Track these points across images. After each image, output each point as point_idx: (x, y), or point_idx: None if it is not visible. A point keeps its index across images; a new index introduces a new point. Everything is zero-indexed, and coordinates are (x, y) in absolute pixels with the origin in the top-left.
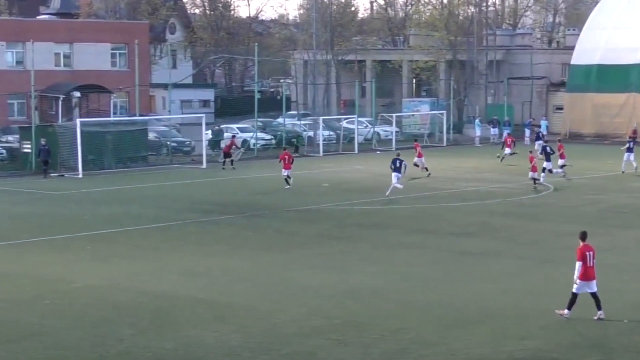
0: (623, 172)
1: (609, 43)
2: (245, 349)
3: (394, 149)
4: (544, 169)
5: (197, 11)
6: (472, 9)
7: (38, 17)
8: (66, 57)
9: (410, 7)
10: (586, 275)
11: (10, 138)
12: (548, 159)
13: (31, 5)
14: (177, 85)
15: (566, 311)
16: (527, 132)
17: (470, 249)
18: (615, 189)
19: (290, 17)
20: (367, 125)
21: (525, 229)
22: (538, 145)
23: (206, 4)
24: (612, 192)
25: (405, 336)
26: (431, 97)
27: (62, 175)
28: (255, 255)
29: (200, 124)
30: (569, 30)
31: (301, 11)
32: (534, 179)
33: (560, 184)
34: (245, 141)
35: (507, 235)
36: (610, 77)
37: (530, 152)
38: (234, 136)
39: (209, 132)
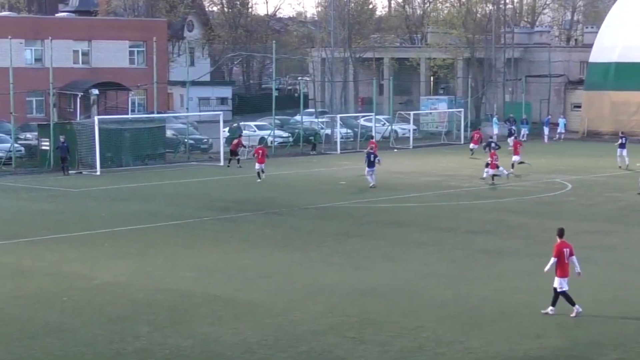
0: (620, 167)
1: (628, 41)
2: (262, 347)
3: (411, 147)
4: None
5: (215, 9)
6: (490, 6)
7: (57, 15)
8: (84, 54)
9: (428, 4)
10: (563, 272)
11: (28, 135)
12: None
13: (50, 3)
14: (194, 83)
15: (575, 308)
16: (546, 130)
17: (487, 247)
18: (634, 187)
19: (308, 15)
20: (384, 123)
21: (543, 227)
22: (510, 140)
23: (224, 1)
24: (630, 191)
25: (422, 334)
26: (449, 95)
27: (80, 173)
28: (273, 252)
29: (218, 122)
30: (587, 27)
31: (319, 9)
32: (493, 175)
33: (578, 182)
34: (262, 139)
35: (524, 234)
36: (629, 75)
37: (493, 149)
38: (240, 135)
39: (226, 129)
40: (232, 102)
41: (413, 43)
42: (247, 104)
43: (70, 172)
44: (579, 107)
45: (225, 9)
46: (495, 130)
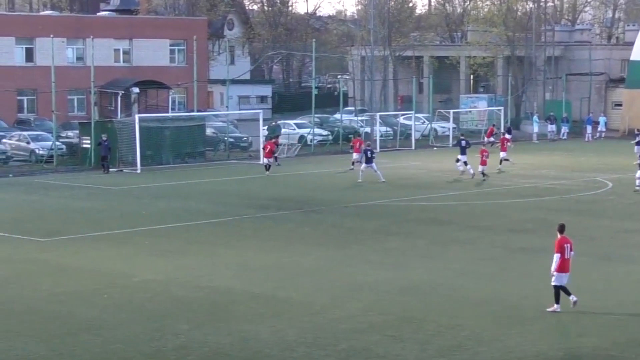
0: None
1: None
2: (301, 344)
3: (450, 146)
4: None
5: (255, 7)
6: (530, 4)
7: (98, 14)
8: (125, 53)
9: (468, 2)
10: (563, 267)
11: (70, 133)
12: (463, 153)
13: (91, 2)
14: (234, 81)
15: (556, 306)
16: (589, 128)
17: (527, 245)
18: None
19: (348, 13)
20: (424, 122)
21: (583, 225)
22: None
23: (264, 0)
24: None
25: (461, 332)
26: (489, 93)
27: (121, 171)
28: (312, 250)
29: (258, 120)
30: (628, 25)
31: (359, 7)
32: (483, 173)
33: (618, 181)
34: (302, 137)
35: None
36: None
37: (483, 145)
38: (277, 136)
39: (265, 128)
40: (271, 101)
41: (453, 41)
42: (287, 102)
43: (111, 170)
44: (620, 105)
45: (266, 8)
46: (536, 129)
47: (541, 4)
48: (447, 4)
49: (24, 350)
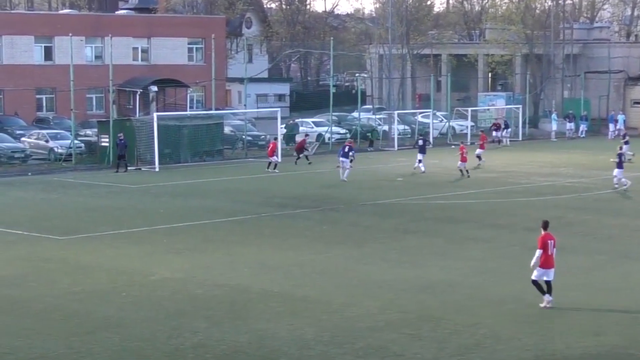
0: None
1: None
2: (319, 343)
3: (468, 144)
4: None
5: (273, 5)
6: (549, 2)
7: (116, 13)
8: (144, 51)
9: (486, 0)
10: (547, 263)
11: (88, 132)
12: (422, 152)
13: (110, 1)
14: (252, 80)
15: (546, 297)
16: (611, 126)
17: None
18: None
19: (366, 12)
20: (442, 120)
21: (602, 224)
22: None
23: None
24: None
25: (479, 331)
26: (507, 91)
27: (139, 169)
28: (330, 249)
29: (276, 118)
30: None
31: (377, 5)
32: (461, 170)
33: (637, 179)
34: (320, 135)
35: (582, 231)
36: None
37: (462, 142)
38: (307, 135)
39: (283, 126)
40: (289, 99)
41: (471, 39)
42: (305, 101)
43: (129, 168)
44: (639, 103)
45: (283, 6)
46: (554, 127)
47: (560, 1)
48: (465, 2)
49: (43, 348)
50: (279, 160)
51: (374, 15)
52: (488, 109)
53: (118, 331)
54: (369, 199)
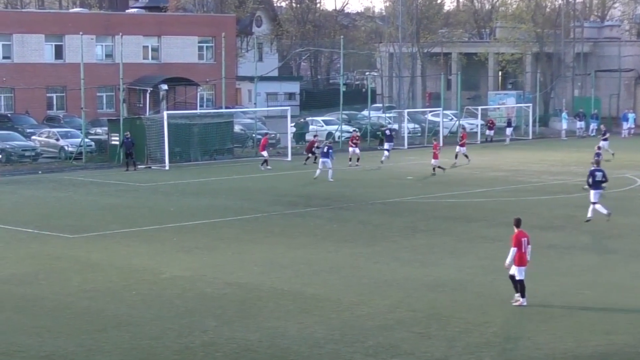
0: None
1: None
2: (329, 341)
3: (479, 142)
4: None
5: (283, 4)
6: (559, 0)
7: (127, 11)
8: (154, 50)
9: None
10: (521, 261)
11: (99, 130)
12: (389, 140)
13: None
14: (263, 78)
15: (521, 300)
16: (625, 124)
17: (556, 242)
18: None
19: (376, 10)
20: (452, 118)
21: (612, 223)
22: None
23: None
24: None
25: (489, 329)
26: (517, 90)
27: (149, 167)
28: (340, 247)
29: (286, 117)
30: None
31: (387, 4)
32: (434, 167)
33: None
34: (330, 134)
35: (593, 229)
36: None
37: (435, 140)
38: (315, 135)
39: (293, 124)
40: (299, 97)
41: (481, 38)
42: (315, 99)
43: (139, 166)
44: None
45: (294, 5)
46: (564, 126)
47: (570, 0)
48: (475, 0)
49: (54, 346)
50: (268, 156)
51: (384, 13)
52: (498, 108)
53: (128, 329)
54: (379, 197)
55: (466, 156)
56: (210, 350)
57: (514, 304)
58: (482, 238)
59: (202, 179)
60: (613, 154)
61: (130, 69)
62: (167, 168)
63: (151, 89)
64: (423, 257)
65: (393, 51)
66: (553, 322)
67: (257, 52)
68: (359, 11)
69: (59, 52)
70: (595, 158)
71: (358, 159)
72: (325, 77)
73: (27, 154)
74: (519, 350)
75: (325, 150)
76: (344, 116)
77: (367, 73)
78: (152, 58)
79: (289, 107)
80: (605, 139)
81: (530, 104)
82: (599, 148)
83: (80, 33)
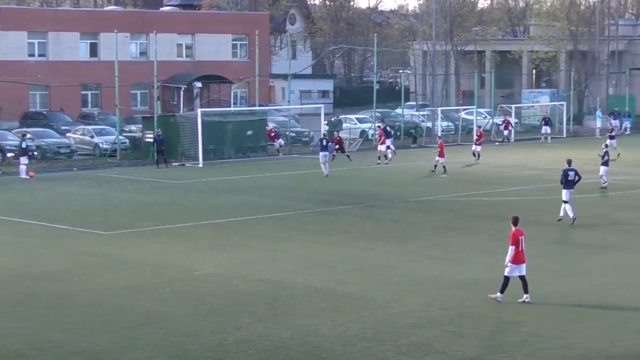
0: None
1: None
2: (362, 339)
3: (512, 140)
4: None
5: (317, 2)
6: None
7: (161, 9)
8: (188, 48)
9: None
10: (517, 259)
11: (133, 128)
12: (389, 136)
13: None
14: (296, 76)
15: (499, 294)
16: None
17: (590, 241)
18: None
19: (410, 8)
20: (485, 116)
21: None
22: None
23: None
24: None
25: (522, 329)
26: (551, 88)
27: (183, 165)
28: (373, 245)
29: (319, 115)
30: None
31: (421, 1)
32: (436, 164)
33: None
34: (363, 132)
35: (627, 229)
36: None
37: (440, 138)
38: (337, 132)
39: (325, 122)
40: (333, 95)
41: (515, 36)
42: (348, 97)
43: (173, 163)
44: None
45: (327, 2)
46: (598, 124)
47: None
48: None
49: (87, 342)
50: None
51: (418, 11)
52: (532, 106)
53: (161, 326)
54: (412, 195)
55: (478, 155)
56: (243, 347)
57: (495, 297)
58: None
59: (235, 176)
60: (619, 155)
61: (164, 66)
62: (200, 165)
63: (185, 86)
64: (455, 255)
65: (426, 49)
66: (587, 322)
67: (291, 49)
68: (393, 9)
69: (93, 50)
70: (606, 158)
71: (385, 157)
72: (359, 75)
73: (62, 151)
74: (553, 349)
75: (324, 143)
76: (377, 114)
77: (400, 71)
78: (186, 56)
79: (322, 105)
80: (612, 137)
81: (564, 102)
82: (607, 146)
83: (115, 31)
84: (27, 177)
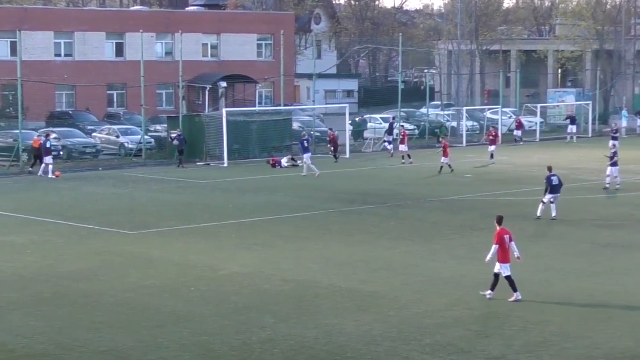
0: None
1: None
2: (386, 339)
3: (537, 140)
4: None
5: (342, 1)
6: None
7: (187, 9)
8: (213, 47)
9: None
10: (504, 258)
11: (158, 127)
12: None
13: None
14: (321, 76)
15: (515, 294)
16: None
17: (614, 240)
18: None
19: (435, 7)
20: (511, 116)
21: None
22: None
23: None
24: None
25: (547, 328)
26: (577, 88)
27: (208, 164)
28: (397, 245)
29: (344, 114)
30: None
31: (446, 1)
32: (442, 165)
33: None
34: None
35: None
36: None
37: (443, 138)
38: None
39: (350, 122)
40: (357, 95)
41: (541, 35)
42: (373, 97)
43: (198, 163)
44: None
45: (352, 2)
46: (624, 123)
47: None
48: None
49: (112, 341)
50: None
51: (443, 11)
52: (558, 105)
53: (186, 325)
54: (437, 195)
55: (491, 155)
56: (268, 346)
57: (488, 295)
58: (540, 236)
59: (260, 176)
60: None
61: (189, 66)
62: (225, 165)
63: (210, 86)
64: (480, 255)
65: (452, 48)
66: (612, 322)
67: (316, 49)
68: (418, 9)
69: (119, 49)
70: (615, 158)
71: (409, 156)
72: (384, 75)
73: (87, 150)
74: (578, 349)
75: (305, 145)
76: (402, 113)
77: (425, 70)
78: (211, 55)
79: (347, 105)
80: (615, 137)
81: (590, 102)
82: (614, 146)
83: (141, 31)
84: (53, 176)
